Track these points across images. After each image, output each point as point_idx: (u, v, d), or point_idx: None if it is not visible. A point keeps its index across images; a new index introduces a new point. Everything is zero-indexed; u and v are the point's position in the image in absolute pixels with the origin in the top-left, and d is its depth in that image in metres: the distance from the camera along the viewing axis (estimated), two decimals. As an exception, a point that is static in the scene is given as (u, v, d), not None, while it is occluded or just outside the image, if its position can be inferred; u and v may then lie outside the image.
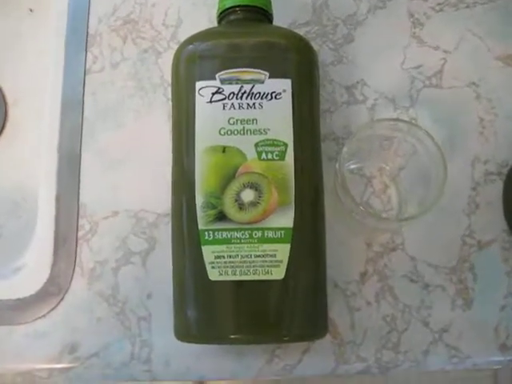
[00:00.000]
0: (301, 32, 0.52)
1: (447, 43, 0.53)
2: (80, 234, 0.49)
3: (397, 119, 0.49)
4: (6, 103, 0.62)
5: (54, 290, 0.48)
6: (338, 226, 0.47)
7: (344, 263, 0.47)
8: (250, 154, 0.41)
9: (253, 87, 0.41)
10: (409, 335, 0.46)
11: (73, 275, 0.48)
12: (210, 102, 0.41)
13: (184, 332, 0.42)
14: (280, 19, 0.49)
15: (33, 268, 0.49)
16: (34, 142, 0.57)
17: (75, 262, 0.48)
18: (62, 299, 0.47)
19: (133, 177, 0.50)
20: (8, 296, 0.48)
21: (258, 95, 0.41)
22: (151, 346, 0.46)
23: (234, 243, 0.40)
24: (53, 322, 0.47)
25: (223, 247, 0.40)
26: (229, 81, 0.42)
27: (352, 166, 0.49)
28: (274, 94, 0.41)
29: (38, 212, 0.50)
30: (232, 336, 0.40)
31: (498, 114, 0.51)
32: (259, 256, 0.39)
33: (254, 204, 0.40)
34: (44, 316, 0.47)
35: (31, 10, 0.63)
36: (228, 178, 0.40)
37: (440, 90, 0.52)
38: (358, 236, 0.48)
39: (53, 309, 0.47)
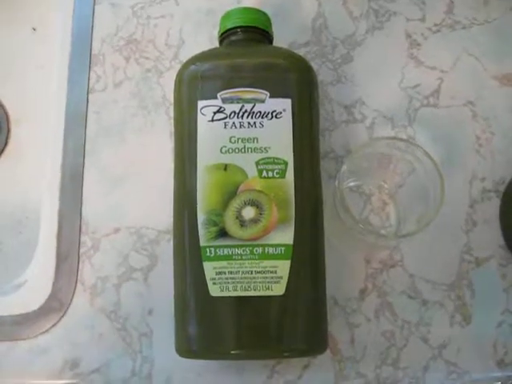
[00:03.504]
0: (300, 52, 0.53)
1: (444, 63, 0.54)
2: (82, 250, 0.49)
3: (395, 138, 0.49)
4: (8, 121, 0.62)
5: (55, 305, 0.48)
6: (338, 243, 0.48)
7: (343, 280, 0.48)
8: (251, 171, 0.41)
9: (254, 106, 0.42)
10: (408, 351, 0.46)
11: (74, 291, 0.48)
12: (212, 120, 0.42)
13: (185, 348, 0.42)
14: (280, 39, 0.50)
15: (35, 284, 0.49)
16: (36, 159, 0.58)
17: (77, 278, 0.49)
18: (63, 315, 0.48)
19: (134, 194, 0.51)
20: (10, 312, 0.48)
21: (258, 114, 0.42)
22: (152, 362, 0.47)
23: (235, 259, 0.40)
24: (54, 337, 0.47)
25: (224, 263, 0.40)
26: (230, 100, 0.42)
27: (351, 184, 0.50)
28: (274, 114, 0.42)
29: (41, 228, 0.51)
30: (233, 352, 0.40)
31: (495, 132, 0.52)
32: (260, 272, 0.40)
33: (254, 221, 0.41)
34: (46, 332, 0.47)
35: (34, 29, 0.64)
36: (229, 195, 0.41)
37: (437, 109, 0.52)
38: (358, 253, 0.48)
39: (54, 324, 0.47)
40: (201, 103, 0.43)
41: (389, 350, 0.46)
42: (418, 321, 0.47)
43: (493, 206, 0.50)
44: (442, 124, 0.52)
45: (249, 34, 0.46)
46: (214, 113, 0.42)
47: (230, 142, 0.42)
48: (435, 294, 0.48)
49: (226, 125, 0.42)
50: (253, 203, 0.41)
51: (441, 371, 0.46)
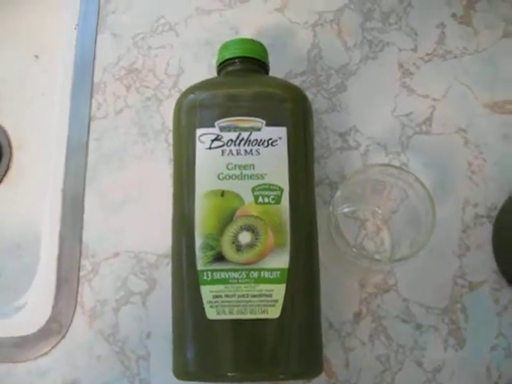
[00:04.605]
0: (296, 81, 0.54)
1: (436, 91, 0.55)
2: (82, 273, 0.50)
3: (388, 164, 0.50)
4: (11, 147, 0.63)
5: (55, 328, 0.49)
6: (333, 268, 0.49)
7: (338, 304, 0.48)
8: (248, 197, 0.42)
9: (250, 134, 0.43)
10: (403, 375, 0.47)
11: (74, 314, 0.49)
12: (210, 148, 0.43)
13: (182, 370, 0.42)
14: (277, 69, 0.51)
15: (35, 306, 0.50)
16: (37, 184, 0.59)
17: (76, 301, 0.49)
18: (63, 337, 0.48)
19: (134, 219, 0.52)
20: (10, 334, 0.49)
21: (255, 142, 0.43)
22: (150, 385, 0.47)
23: (231, 283, 0.41)
24: (54, 359, 0.48)
25: (221, 287, 0.41)
26: (227, 128, 0.43)
27: (346, 210, 0.51)
28: (270, 141, 0.43)
29: (41, 252, 0.52)
30: (229, 374, 0.40)
31: (486, 159, 0.53)
32: (256, 295, 0.40)
33: (250, 245, 0.41)
34: (45, 354, 0.48)
35: (37, 57, 0.66)
36: (226, 220, 0.42)
37: (430, 136, 0.54)
38: (352, 277, 0.49)
39: (54, 347, 0.48)
40: (199, 131, 0.44)
41: (383, 373, 0.47)
42: (413, 345, 0.48)
43: (485, 232, 0.51)
44: (434, 151, 0.53)
45: (246, 65, 0.47)
46: (212, 140, 0.43)
47: (227, 168, 0.43)
48: (429, 318, 0.48)
49: (223, 152, 0.43)
50: (249, 228, 0.42)
51: (435, 395, 0.46)
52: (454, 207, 0.51)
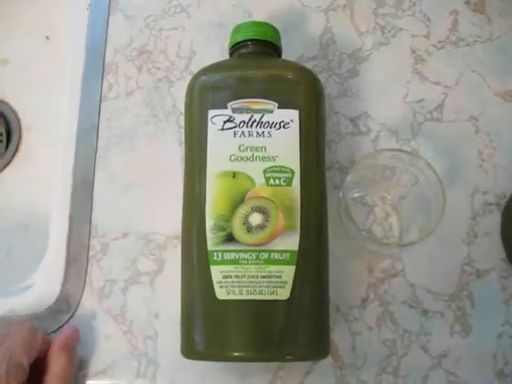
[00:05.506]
0: (308, 66, 0.54)
1: (448, 79, 0.55)
2: (91, 253, 0.51)
3: (399, 149, 0.50)
4: (20, 128, 0.64)
5: (64, 307, 0.49)
6: (341, 252, 0.49)
7: (346, 288, 0.49)
8: (259, 179, 0.42)
9: (262, 116, 0.43)
10: (408, 360, 0.47)
11: (83, 293, 0.49)
12: (222, 129, 0.43)
13: (190, 349, 0.42)
14: (289, 53, 0.51)
15: (44, 285, 0.50)
16: (47, 165, 0.59)
17: (85, 280, 0.50)
18: (71, 316, 0.49)
19: (144, 200, 0.52)
20: (19, 312, 0.49)
21: (267, 124, 0.43)
22: (157, 364, 0.47)
23: (241, 264, 0.41)
24: (62, 338, 0.48)
25: (231, 267, 0.41)
26: (240, 110, 0.44)
27: (355, 195, 0.51)
28: (282, 124, 0.43)
29: (51, 232, 0.52)
30: (237, 354, 0.41)
31: (497, 147, 0.53)
32: (265, 277, 0.41)
33: (261, 227, 0.41)
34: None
35: (48, 38, 0.66)
36: (237, 201, 0.42)
37: (441, 123, 0.53)
38: (360, 262, 0.49)
39: (62, 325, 0.48)
40: (211, 112, 0.44)
41: (389, 358, 0.47)
42: (419, 330, 0.48)
43: (494, 219, 0.51)
44: (445, 138, 0.53)
45: (258, 47, 0.47)
46: (224, 122, 0.43)
47: (239, 150, 0.43)
48: (436, 304, 0.48)
49: (235, 134, 0.43)
50: (260, 210, 0.42)
51: (440, 381, 0.47)
52: (464, 194, 0.51)
